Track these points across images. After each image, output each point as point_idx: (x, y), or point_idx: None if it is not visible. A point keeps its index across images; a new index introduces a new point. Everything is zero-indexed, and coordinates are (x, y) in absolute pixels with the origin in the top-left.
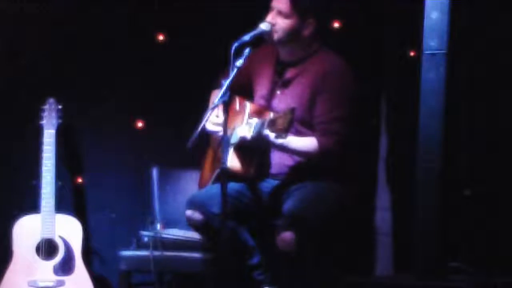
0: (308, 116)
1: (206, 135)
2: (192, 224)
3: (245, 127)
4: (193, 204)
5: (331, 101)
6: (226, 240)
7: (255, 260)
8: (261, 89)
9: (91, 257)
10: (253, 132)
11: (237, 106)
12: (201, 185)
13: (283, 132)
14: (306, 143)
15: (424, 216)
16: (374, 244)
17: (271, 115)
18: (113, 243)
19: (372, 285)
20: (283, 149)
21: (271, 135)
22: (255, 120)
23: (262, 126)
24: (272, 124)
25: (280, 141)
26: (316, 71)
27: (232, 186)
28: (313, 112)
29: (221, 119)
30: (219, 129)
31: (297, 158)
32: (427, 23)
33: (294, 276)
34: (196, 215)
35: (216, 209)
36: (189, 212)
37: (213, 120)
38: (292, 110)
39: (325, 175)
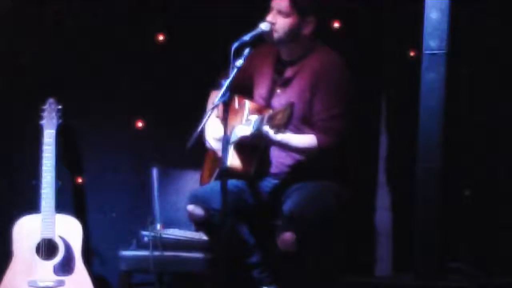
0: (308, 113)
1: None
2: (193, 220)
3: (245, 125)
4: (194, 199)
5: (328, 98)
6: (226, 236)
7: (254, 258)
8: (261, 88)
9: (91, 257)
10: (252, 128)
11: (236, 105)
12: (202, 184)
13: (281, 127)
14: (305, 140)
15: (424, 216)
16: (374, 244)
17: (270, 111)
18: (113, 243)
19: (372, 285)
20: (282, 146)
21: (270, 132)
22: (254, 117)
23: (261, 122)
24: (271, 120)
25: (279, 137)
26: (312, 68)
27: (233, 182)
28: (312, 110)
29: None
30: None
31: (297, 157)
32: (427, 23)
33: (294, 275)
34: (197, 211)
35: (217, 205)
36: (190, 207)
37: (214, 136)
38: (291, 105)
39: (325, 175)
